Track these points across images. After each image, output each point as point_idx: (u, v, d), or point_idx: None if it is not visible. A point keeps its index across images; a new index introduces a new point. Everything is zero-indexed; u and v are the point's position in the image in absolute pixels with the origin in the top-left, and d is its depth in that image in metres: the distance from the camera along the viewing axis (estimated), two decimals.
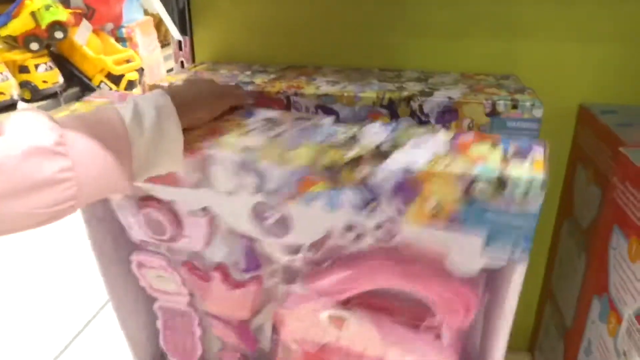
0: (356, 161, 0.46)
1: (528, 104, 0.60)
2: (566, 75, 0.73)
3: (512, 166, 0.43)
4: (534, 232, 0.44)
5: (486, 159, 0.45)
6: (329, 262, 0.55)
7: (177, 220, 0.60)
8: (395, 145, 0.48)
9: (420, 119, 0.62)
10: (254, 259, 0.60)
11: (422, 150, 0.47)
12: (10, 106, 2.58)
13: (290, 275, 0.58)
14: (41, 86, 2.67)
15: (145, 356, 0.78)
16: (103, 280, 0.69)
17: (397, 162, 0.45)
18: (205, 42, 0.83)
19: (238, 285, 0.62)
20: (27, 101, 2.67)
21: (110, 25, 3.03)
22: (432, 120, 0.62)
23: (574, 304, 0.72)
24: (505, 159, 0.44)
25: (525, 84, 0.67)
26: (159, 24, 3.24)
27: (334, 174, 0.47)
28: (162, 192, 0.57)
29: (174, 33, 0.82)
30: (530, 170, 0.43)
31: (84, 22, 2.81)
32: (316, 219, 0.50)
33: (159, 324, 0.73)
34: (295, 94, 0.64)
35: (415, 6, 0.74)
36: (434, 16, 0.74)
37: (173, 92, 0.50)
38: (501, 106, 0.60)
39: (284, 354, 0.65)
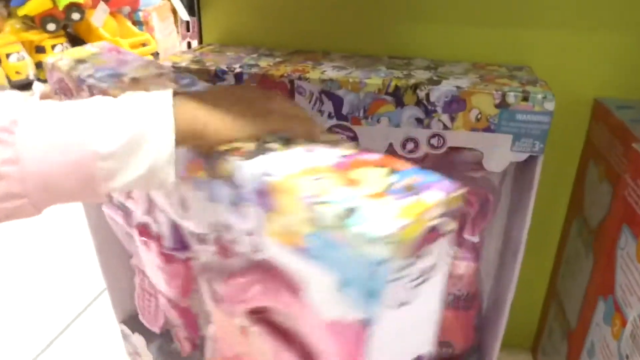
0: (231, 152, 0.42)
1: (539, 96, 0.58)
2: (581, 68, 0.71)
3: (377, 202, 0.35)
4: (385, 286, 0.35)
5: (358, 185, 0.37)
6: (238, 264, 0.49)
7: None
8: (285, 145, 0.43)
9: (427, 108, 0.60)
10: (180, 239, 0.57)
11: (303, 157, 0.41)
12: (26, 85, 2.60)
13: (216, 269, 0.53)
14: None
15: (123, 311, 0.79)
16: (89, 229, 0.68)
17: (265, 163, 0.40)
18: (214, 23, 0.82)
19: (168, 261, 0.59)
20: (43, 81, 2.69)
21: (127, 9, 3.04)
22: (439, 110, 0.60)
23: (578, 305, 0.70)
24: (383, 192, 0.36)
25: (540, 76, 0.65)
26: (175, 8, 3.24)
27: (210, 162, 0.43)
28: None
29: (182, 14, 0.81)
30: (393, 213, 0.34)
31: (101, 4, 2.81)
32: (203, 207, 0.46)
33: (135, 280, 0.73)
34: (300, 78, 0.63)
35: None
36: (447, 3, 0.72)
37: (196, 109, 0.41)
38: (511, 97, 0.58)
39: (210, 349, 0.61)
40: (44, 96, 0.71)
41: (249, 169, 0.40)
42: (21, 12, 2.63)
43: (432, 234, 0.36)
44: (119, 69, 0.59)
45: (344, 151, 0.42)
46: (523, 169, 0.64)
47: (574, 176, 0.77)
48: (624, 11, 0.67)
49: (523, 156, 0.60)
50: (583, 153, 0.75)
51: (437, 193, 0.36)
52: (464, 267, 0.71)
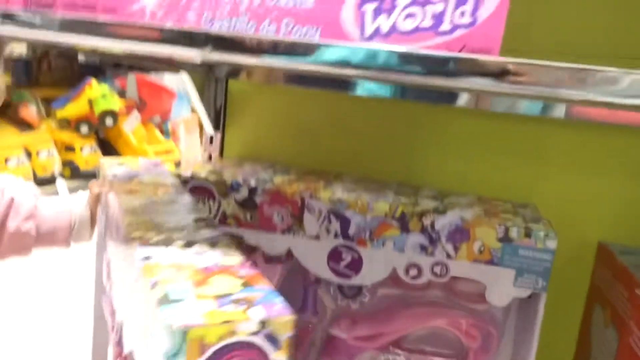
0: (141, 239, 0.47)
1: (542, 234, 0.59)
2: (586, 211, 0.73)
3: (201, 301, 0.35)
4: None
5: (203, 286, 0.38)
6: None
7: None
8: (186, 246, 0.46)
9: (431, 236, 0.61)
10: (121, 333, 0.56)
11: (186, 256, 0.44)
12: (50, 181, 2.70)
13: None
14: (82, 167, 2.81)
15: None
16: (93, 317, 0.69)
17: (152, 250, 0.45)
18: (236, 139, 0.87)
19: (117, 355, 0.55)
20: (66, 179, 2.79)
21: (157, 118, 3.23)
22: (443, 239, 0.61)
23: None
24: (215, 296, 0.36)
25: (545, 216, 0.67)
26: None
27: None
28: None
29: (207, 127, 0.87)
30: (201, 312, 0.34)
31: (135, 113, 3.00)
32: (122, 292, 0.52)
33: None
34: (310, 197, 0.65)
35: (440, 126, 0.77)
36: (455, 138, 0.76)
37: None
38: (514, 232, 0.59)
39: None
40: (93, 185, 0.78)
41: (138, 253, 0.43)
42: (60, 114, 2.81)
43: (241, 351, 0.34)
44: (137, 173, 0.66)
45: (228, 259, 0.43)
46: (527, 306, 0.63)
47: (581, 321, 0.76)
48: (631, 158, 0.70)
49: (526, 292, 0.60)
50: (589, 296, 0.74)
51: (263, 311, 0.35)
52: None
